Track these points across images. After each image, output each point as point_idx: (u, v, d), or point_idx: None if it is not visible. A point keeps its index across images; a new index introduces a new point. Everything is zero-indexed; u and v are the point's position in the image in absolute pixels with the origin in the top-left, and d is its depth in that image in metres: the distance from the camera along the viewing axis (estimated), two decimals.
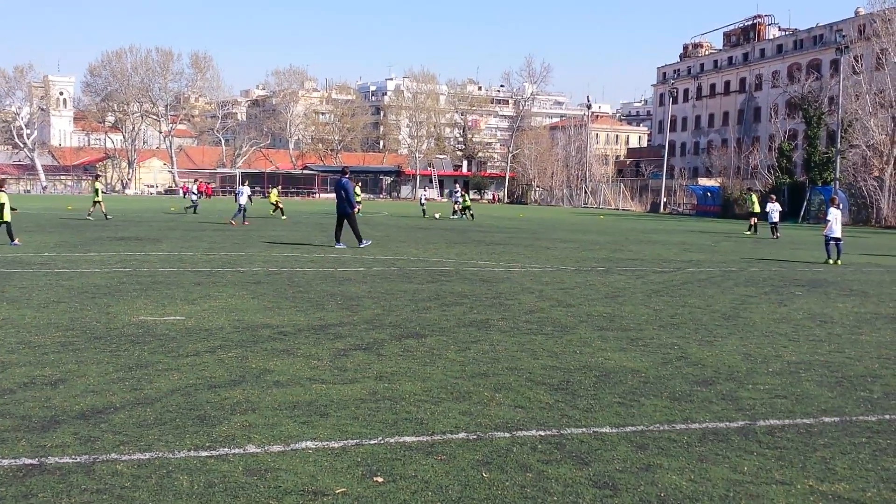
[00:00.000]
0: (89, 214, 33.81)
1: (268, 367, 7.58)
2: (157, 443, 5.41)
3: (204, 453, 5.24)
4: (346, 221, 22.03)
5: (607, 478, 5.03)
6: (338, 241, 22.04)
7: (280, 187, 37.78)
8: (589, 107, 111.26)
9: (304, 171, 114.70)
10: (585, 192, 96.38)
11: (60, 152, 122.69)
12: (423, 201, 50.97)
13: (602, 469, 5.18)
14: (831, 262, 20.98)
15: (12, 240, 20.16)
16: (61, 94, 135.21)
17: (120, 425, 5.75)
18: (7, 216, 20.64)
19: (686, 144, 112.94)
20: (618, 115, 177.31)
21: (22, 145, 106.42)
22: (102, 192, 35.31)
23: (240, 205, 32.62)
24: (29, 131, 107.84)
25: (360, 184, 48.98)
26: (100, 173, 66.70)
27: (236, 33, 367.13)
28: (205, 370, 7.42)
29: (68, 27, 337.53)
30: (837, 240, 21.13)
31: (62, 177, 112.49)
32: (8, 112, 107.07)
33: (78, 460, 5.05)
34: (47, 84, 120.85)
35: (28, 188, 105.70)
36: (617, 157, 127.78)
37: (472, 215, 43.05)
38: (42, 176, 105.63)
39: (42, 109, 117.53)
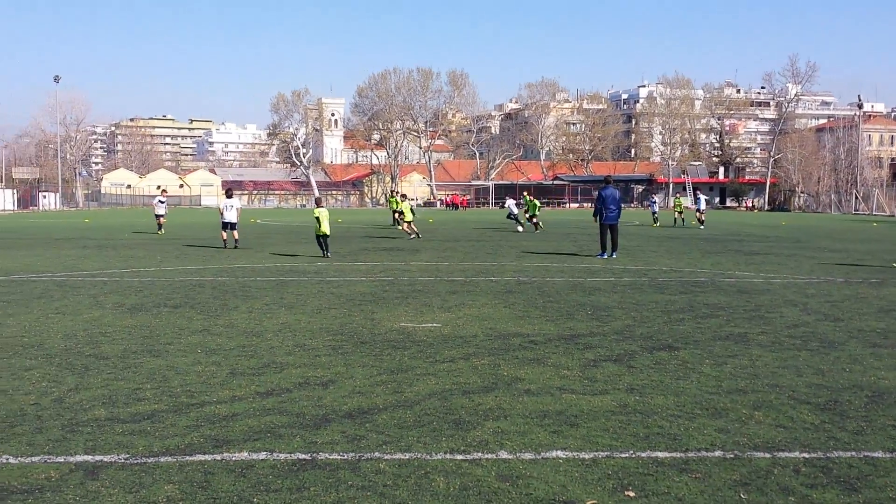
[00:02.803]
0: (412, 235, 30.49)
1: (519, 376, 7.74)
2: (416, 444, 5.69)
3: (459, 457, 5.45)
4: (611, 230, 21.44)
5: None
6: (604, 250, 21.61)
7: (400, 193, 34.92)
8: (860, 106, 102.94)
9: (555, 182, 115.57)
10: (856, 198, 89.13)
11: (332, 169, 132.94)
12: (655, 209, 47.09)
13: (874, 497, 4.79)
14: None
15: (326, 252, 21.37)
16: (333, 115, 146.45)
17: (383, 425, 6.11)
18: (326, 229, 21.49)
19: None
20: (893, 114, 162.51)
21: (299, 163, 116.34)
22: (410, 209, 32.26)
23: (511, 213, 38.20)
24: (305, 150, 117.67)
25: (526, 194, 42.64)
26: (405, 192, 67.23)
27: (490, 50, 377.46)
28: (459, 376, 7.71)
29: (340, 53, 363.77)
30: None
31: (333, 191, 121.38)
32: (287, 133, 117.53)
33: (345, 457, 5.43)
34: (321, 106, 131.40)
35: (304, 203, 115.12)
36: (892, 159, 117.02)
37: (536, 224, 36.46)
38: (316, 191, 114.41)
39: (316, 130, 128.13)
